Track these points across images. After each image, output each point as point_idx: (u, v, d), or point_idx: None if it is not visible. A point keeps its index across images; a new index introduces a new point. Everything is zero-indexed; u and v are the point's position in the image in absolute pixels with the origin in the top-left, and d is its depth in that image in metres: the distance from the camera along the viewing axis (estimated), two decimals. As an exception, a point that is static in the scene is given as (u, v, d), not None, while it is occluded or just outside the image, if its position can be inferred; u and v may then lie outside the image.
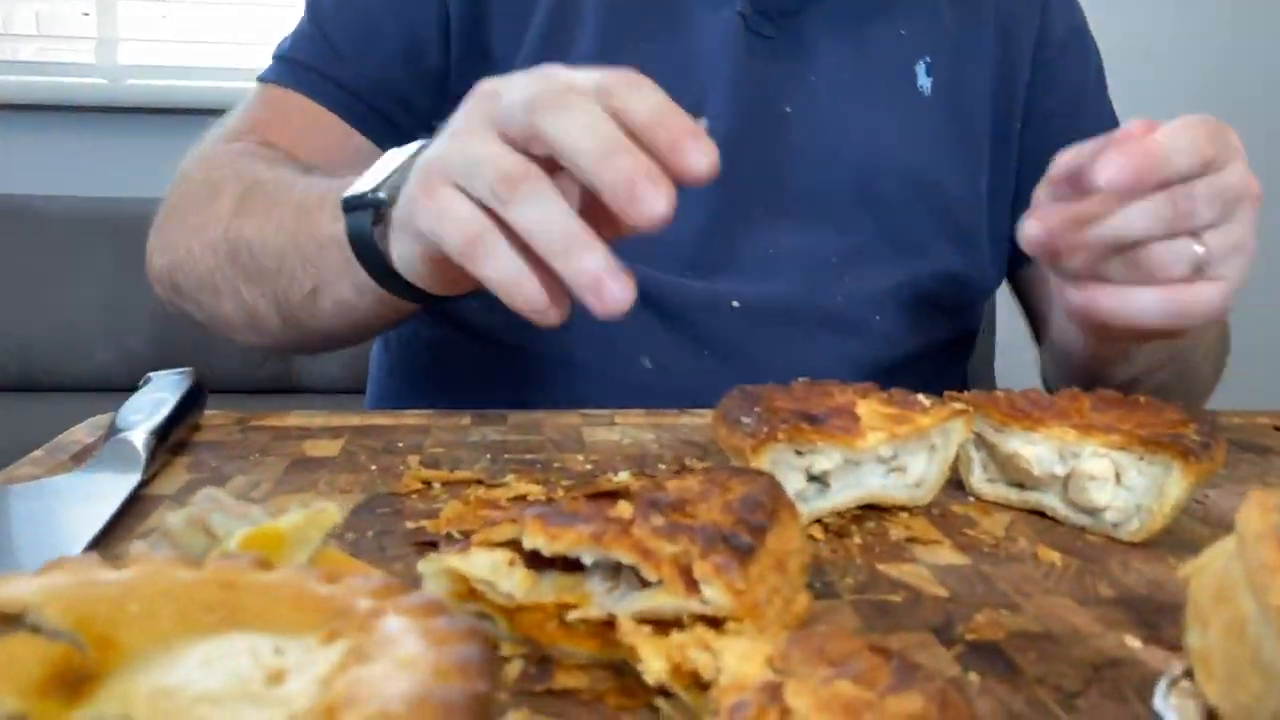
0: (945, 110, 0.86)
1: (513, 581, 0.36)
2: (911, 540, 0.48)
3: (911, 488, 0.52)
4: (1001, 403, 0.54)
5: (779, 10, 0.82)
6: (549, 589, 0.36)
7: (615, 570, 0.36)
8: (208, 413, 0.67)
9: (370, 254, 0.57)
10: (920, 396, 0.54)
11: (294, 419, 0.68)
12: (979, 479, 0.55)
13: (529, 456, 0.60)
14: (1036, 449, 0.52)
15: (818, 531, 0.49)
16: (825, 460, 0.49)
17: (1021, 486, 0.53)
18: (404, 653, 0.25)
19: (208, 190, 0.72)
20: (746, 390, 0.54)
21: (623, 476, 0.56)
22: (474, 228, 0.47)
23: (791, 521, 0.38)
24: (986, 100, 0.88)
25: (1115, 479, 0.50)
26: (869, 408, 0.53)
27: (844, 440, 0.49)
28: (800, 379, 0.57)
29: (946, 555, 0.47)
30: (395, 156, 0.58)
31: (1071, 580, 0.44)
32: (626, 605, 0.35)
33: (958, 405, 0.53)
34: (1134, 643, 0.38)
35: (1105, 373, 0.76)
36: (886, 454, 0.51)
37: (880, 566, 0.45)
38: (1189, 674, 0.29)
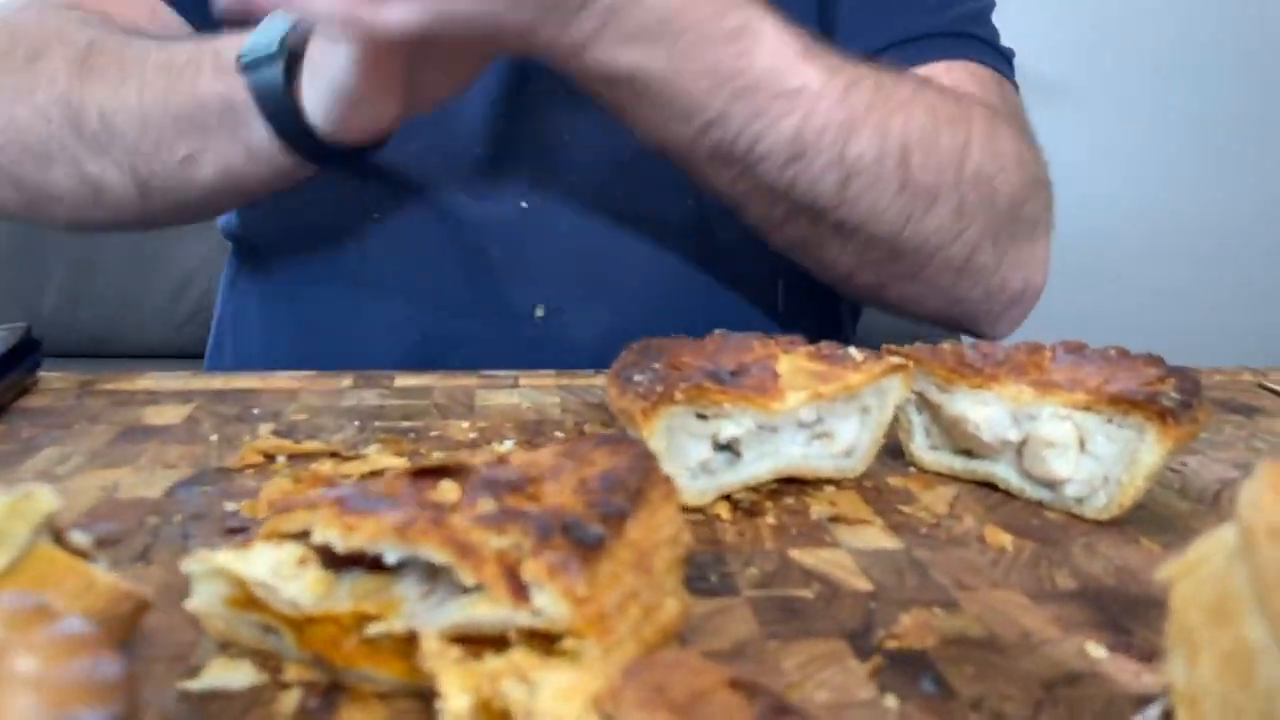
0: None
1: (301, 586, 0.28)
2: (836, 520, 0.40)
3: (839, 457, 0.44)
4: (947, 357, 0.46)
5: None
6: (347, 595, 0.28)
7: (433, 572, 0.28)
8: (48, 374, 0.59)
9: (281, 110, 0.57)
10: (852, 350, 0.46)
11: (145, 381, 0.59)
12: (920, 446, 0.47)
13: (405, 424, 0.52)
14: (987, 410, 0.44)
15: (724, 510, 0.41)
16: (734, 426, 0.41)
17: (970, 454, 0.45)
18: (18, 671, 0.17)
19: (25, 53, 0.64)
20: (650, 344, 0.46)
21: (507, 446, 0.48)
22: None
23: (664, 505, 0.29)
24: None
25: (1079, 446, 0.42)
26: (792, 363, 0.45)
27: (757, 402, 0.41)
28: (718, 330, 0.49)
29: (876, 537, 0.39)
30: (278, 19, 0.57)
31: (1024, 569, 0.36)
32: (440, 617, 0.27)
33: (895, 360, 0.45)
34: (1098, 651, 0.30)
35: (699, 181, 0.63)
36: (809, 418, 0.43)
37: (794, 553, 0.37)
38: (1169, 717, 0.21)
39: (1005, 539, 0.39)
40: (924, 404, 0.46)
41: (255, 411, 0.53)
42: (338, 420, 0.52)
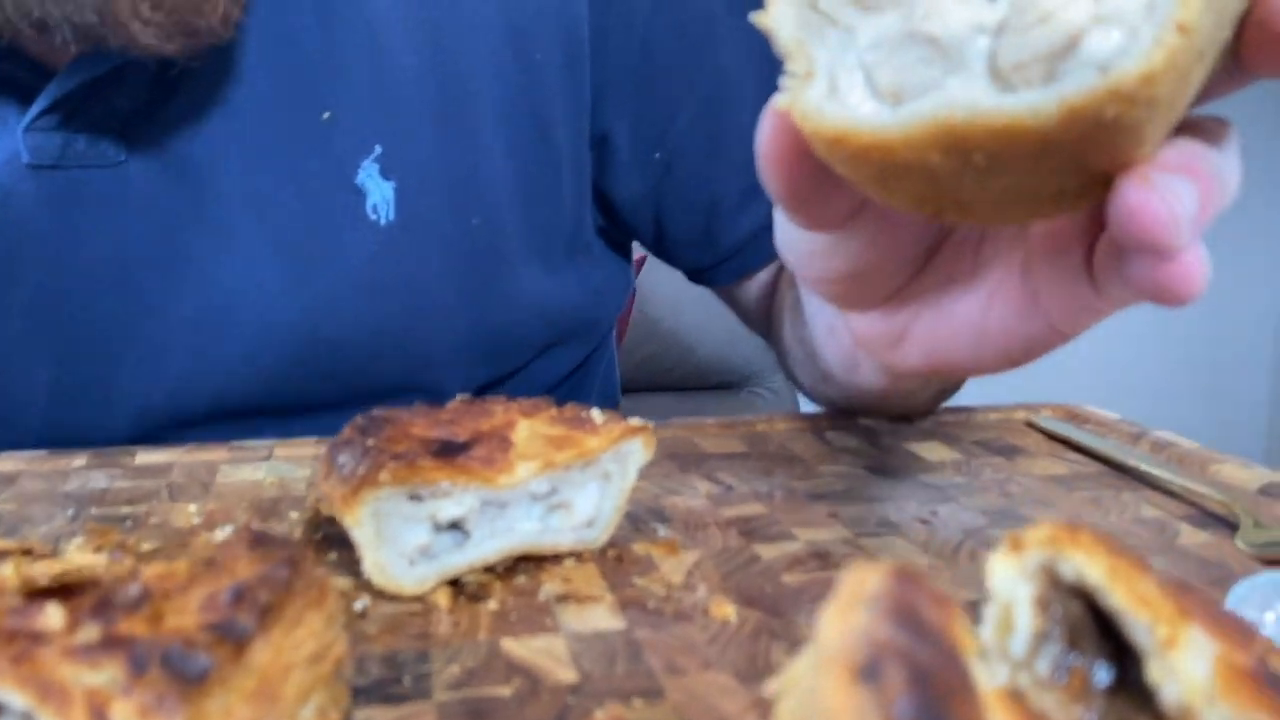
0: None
1: None
2: (565, 598, 0.38)
3: (580, 529, 0.42)
4: None
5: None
6: (-76, 747, 0.24)
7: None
8: None
9: None
10: (594, 412, 0.44)
11: None
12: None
13: (125, 510, 0.47)
14: None
15: (444, 597, 0.38)
16: (455, 505, 0.39)
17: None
18: None
19: None
20: (376, 415, 0.43)
21: (224, 533, 0.44)
22: None
23: (309, 617, 0.27)
24: None
25: None
26: (531, 429, 0.43)
27: (479, 476, 0.39)
28: (460, 395, 0.47)
29: (600, 617, 0.37)
30: None
31: (743, 643, 0.35)
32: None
33: (635, 422, 0.43)
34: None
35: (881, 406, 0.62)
36: (542, 489, 0.41)
37: (507, 643, 0.35)
38: None
39: (729, 610, 0.37)
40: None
41: (-45, 504, 0.48)
42: (50, 509, 0.47)
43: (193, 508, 0.48)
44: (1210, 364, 2.31)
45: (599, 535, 0.43)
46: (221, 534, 0.44)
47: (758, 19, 0.30)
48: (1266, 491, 0.52)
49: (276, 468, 0.54)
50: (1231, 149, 0.30)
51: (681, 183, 0.68)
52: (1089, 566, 0.24)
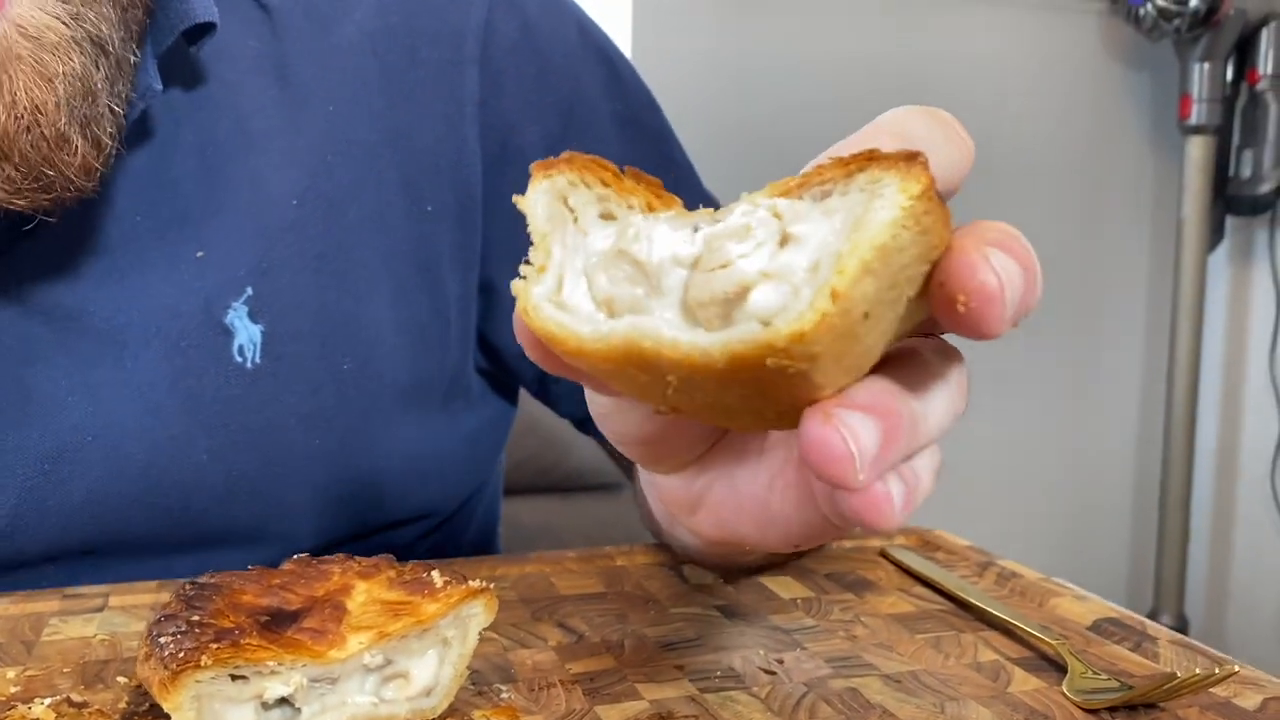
0: None
1: None
2: (396, 779, 0.37)
3: (419, 699, 0.41)
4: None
5: None
6: None
7: None
8: None
9: None
10: (435, 574, 0.44)
11: None
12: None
13: (-65, 678, 0.45)
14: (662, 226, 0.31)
15: (269, 781, 0.37)
16: (282, 684, 0.38)
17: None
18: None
19: None
20: (202, 583, 0.42)
21: (41, 707, 0.42)
22: None
23: None
24: None
25: (779, 240, 0.28)
26: (368, 594, 0.42)
27: (308, 652, 0.38)
28: (299, 554, 0.46)
29: (430, 803, 0.36)
30: None
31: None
32: None
33: (475, 584, 0.43)
34: None
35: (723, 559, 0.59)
36: (376, 661, 0.40)
37: (328, 838, 0.34)
38: None
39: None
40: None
41: None
42: None
43: (11, 673, 0.45)
44: (1074, 482, 2.38)
45: (438, 704, 0.42)
46: (39, 707, 0.42)
47: (518, 200, 0.31)
48: (1097, 628, 0.54)
49: (110, 621, 0.52)
50: (946, 382, 0.31)
51: None
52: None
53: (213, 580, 0.42)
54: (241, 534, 0.62)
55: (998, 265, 0.27)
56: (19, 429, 0.58)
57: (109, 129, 0.52)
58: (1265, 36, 2.02)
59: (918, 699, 0.45)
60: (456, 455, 0.70)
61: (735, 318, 0.26)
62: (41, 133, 0.49)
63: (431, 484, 0.69)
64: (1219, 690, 0.46)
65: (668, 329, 0.27)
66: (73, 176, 0.51)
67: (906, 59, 2.03)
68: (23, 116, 0.49)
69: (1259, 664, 0.49)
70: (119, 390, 0.59)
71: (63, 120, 0.50)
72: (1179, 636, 0.53)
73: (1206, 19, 1.94)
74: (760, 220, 0.28)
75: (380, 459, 0.65)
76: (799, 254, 0.27)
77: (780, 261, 0.26)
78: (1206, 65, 2.01)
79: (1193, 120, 2.03)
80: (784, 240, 0.27)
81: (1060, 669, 0.49)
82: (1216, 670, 0.45)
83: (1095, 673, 0.47)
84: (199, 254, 0.60)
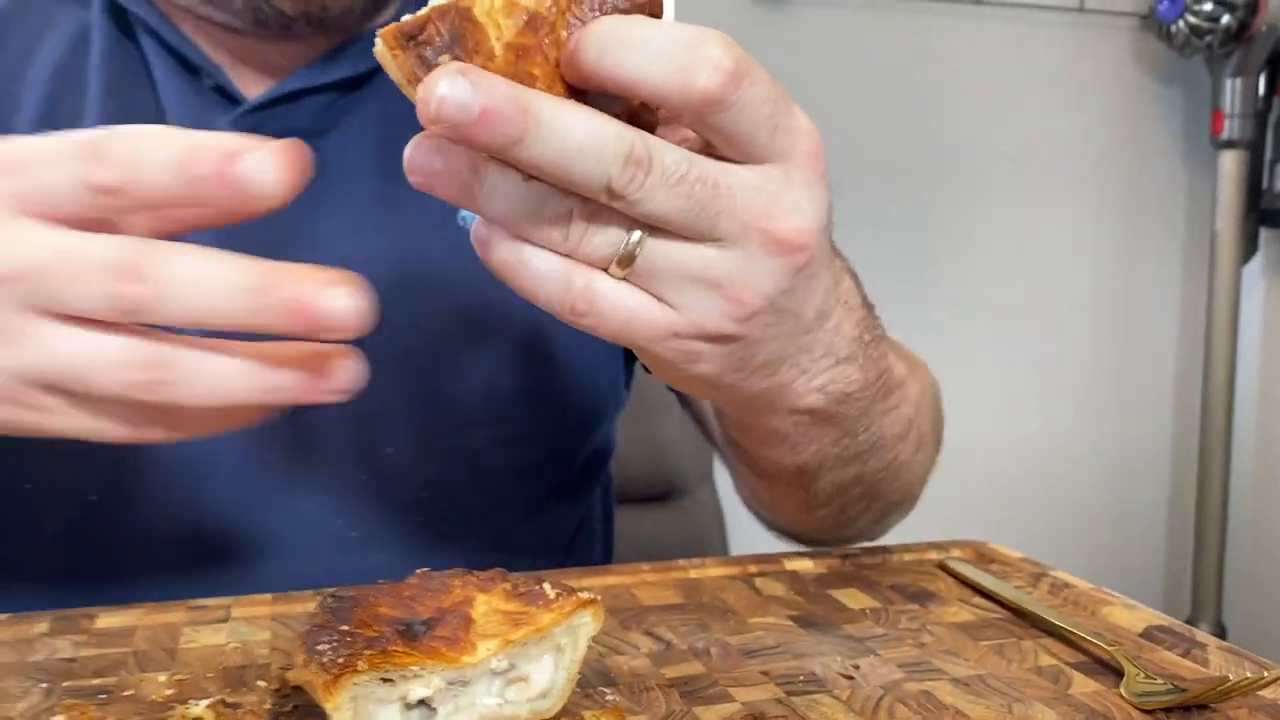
0: None
1: None
2: (524, 772, 0.42)
3: (536, 700, 0.46)
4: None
5: None
6: None
7: None
8: None
9: None
10: (546, 586, 0.48)
11: None
12: None
13: (95, 682, 0.50)
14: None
15: (414, 773, 0.41)
16: (423, 686, 0.42)
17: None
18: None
19: None
20: (343, 597, 0.46)
21: (199, 709, 0.47)
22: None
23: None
24: None
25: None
26: (488, 605, 0.47)
27: (446, 658, 0.43)
28: (420, 570, 0.50)
29: (559, 792, 0.40)
30: None
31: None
32: None
33: (584, 595, 0.47)
34: None
35: (767, 457, 0.64)
36: (501, 666, 0.45)
37: (475, 821, 0.38)
38: None
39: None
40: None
41: (-74, 680, 0.50)
42: (23, 683, 0.50)
43: (162, 678, 0.50)
44: (1110, 492, 2.40)
45: (553, 704, 0.46)
46: (198, 708, 0.47)
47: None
48: (1148, 635, 0.57)
49: (238, 630, 0.56)
50: None
51: None
52: None
53: (350, 594, 0.47)
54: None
55: None
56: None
57: None
58: (1297, 52, 2.04)
59: (987, 700, 0.49)
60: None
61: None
62: None
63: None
64: (1267, 693, 0.50)
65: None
66: None
67: (939, 74, 2.07)
68: None
69: (1303, 669, 0.52)
70: None
71: None
72: (1226, 644, 0.56)
73: (1239, 35, 1.97)
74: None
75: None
76: None
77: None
78: (1239, 81, 2.03)
79: (1225, 135, 2.05)
80: None
81: (1115, 673, 0.53)
82: (1265, 674, 0.49)
83: (1150, 676, 0.51)
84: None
